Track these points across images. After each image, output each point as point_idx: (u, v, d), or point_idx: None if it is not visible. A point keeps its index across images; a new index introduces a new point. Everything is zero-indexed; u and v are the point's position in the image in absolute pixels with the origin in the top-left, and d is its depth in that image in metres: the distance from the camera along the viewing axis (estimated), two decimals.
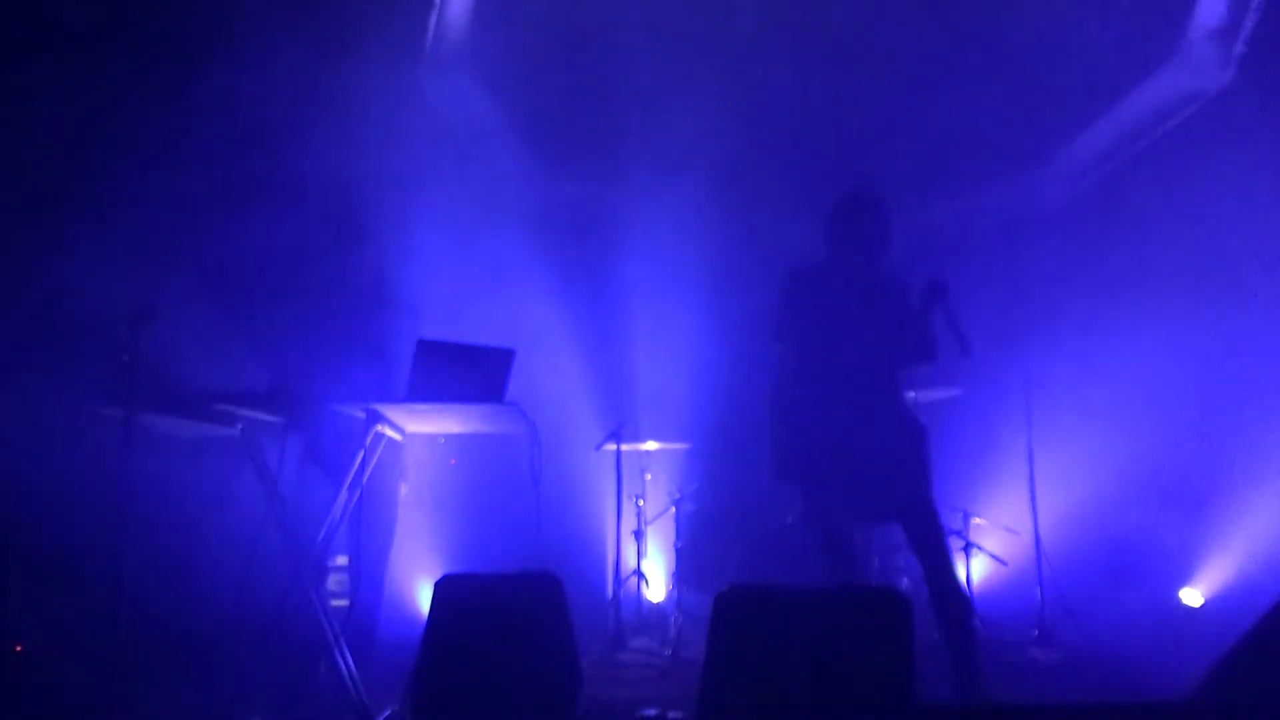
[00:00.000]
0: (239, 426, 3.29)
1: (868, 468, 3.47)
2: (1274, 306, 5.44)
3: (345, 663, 3.36)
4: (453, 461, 5.92)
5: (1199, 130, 5.90)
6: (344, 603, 3.97)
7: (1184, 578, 5.84)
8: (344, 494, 3.48)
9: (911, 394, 4.42)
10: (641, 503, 5.88)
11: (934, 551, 3.47)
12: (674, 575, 5.75)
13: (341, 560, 4.17)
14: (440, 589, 3.15)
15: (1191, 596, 5.77)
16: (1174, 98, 6.01)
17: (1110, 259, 6.05)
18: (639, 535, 5.82)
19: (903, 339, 3.65)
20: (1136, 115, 6.19)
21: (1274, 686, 2.19)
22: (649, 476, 6.07)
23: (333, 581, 4.08)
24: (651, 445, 5.84)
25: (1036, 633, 5.16)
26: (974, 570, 5.35)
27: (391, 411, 3.45)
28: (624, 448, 5.61)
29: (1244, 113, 5.57)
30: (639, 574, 5.80)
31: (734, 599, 2.53)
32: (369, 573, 3.81)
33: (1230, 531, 5.66)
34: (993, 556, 5.43)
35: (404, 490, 4.17)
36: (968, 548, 5.35)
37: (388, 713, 3.44)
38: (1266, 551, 5.45)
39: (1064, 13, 5.60)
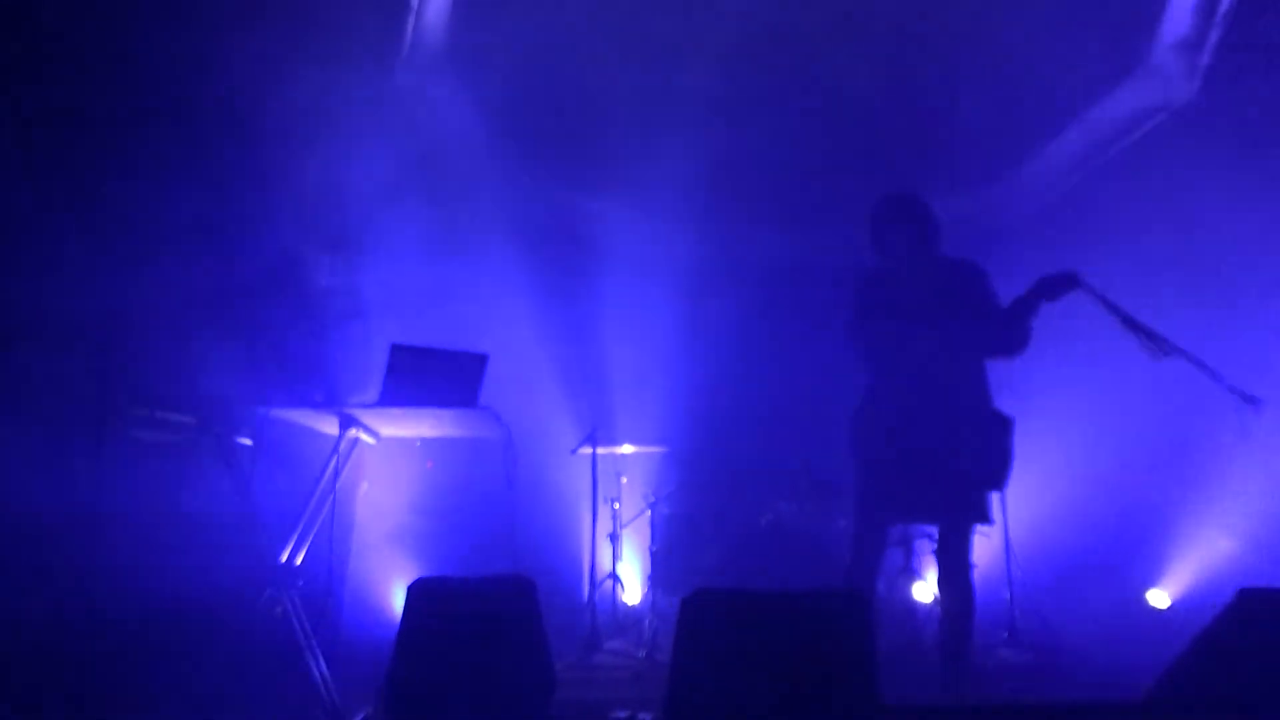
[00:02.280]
0: (211, 432, 3.29)
1: (940, 466, 3.49)
2: (1241, 313, 5.55)
3: (318, 667, 3.36)
4: (430, 464, 5.92)
5: (1165, 141, 6.00)
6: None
7: (1151, 579, 5.93)
8: (315, 498, 3.49)
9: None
10: (617, 506, 5.90)
11: (956, 557, 3.54)
12: (649, 578, 5.78)
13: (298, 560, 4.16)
14: (414, 592, 3.15)
15: (1158, 598, 5.86)
16: (1141, 109, 6.12)
17: (1080, 267, 6.13)
18: (614, 538, 5.84)
19: (983, 329, 3.63)
20: (1104, 126, 6.29)
21: (1223, 686, 2.25)
22: (624, 480, 6.10)
23: None
24: (627, 448, 5.87)
25: (1006, 634, 5.23)
26: None
27: (365, 415, 3.46)
28: (599, 451, 5.64)
29: (1209, 123, 5.68)
30: (614, 577, 5.82)
31: (700, 603, 2.56)
32: (331, 577, 3.81)
33: (1196, 534, 5.77)
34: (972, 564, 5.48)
35: (364, 490, 4.16)
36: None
37: (360, 716, 3.45)
38: (1232, 553, 5.56)
39: (1032, 24, 5.69)
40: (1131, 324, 3.53)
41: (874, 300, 3.72)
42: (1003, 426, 3.61)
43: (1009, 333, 3.63)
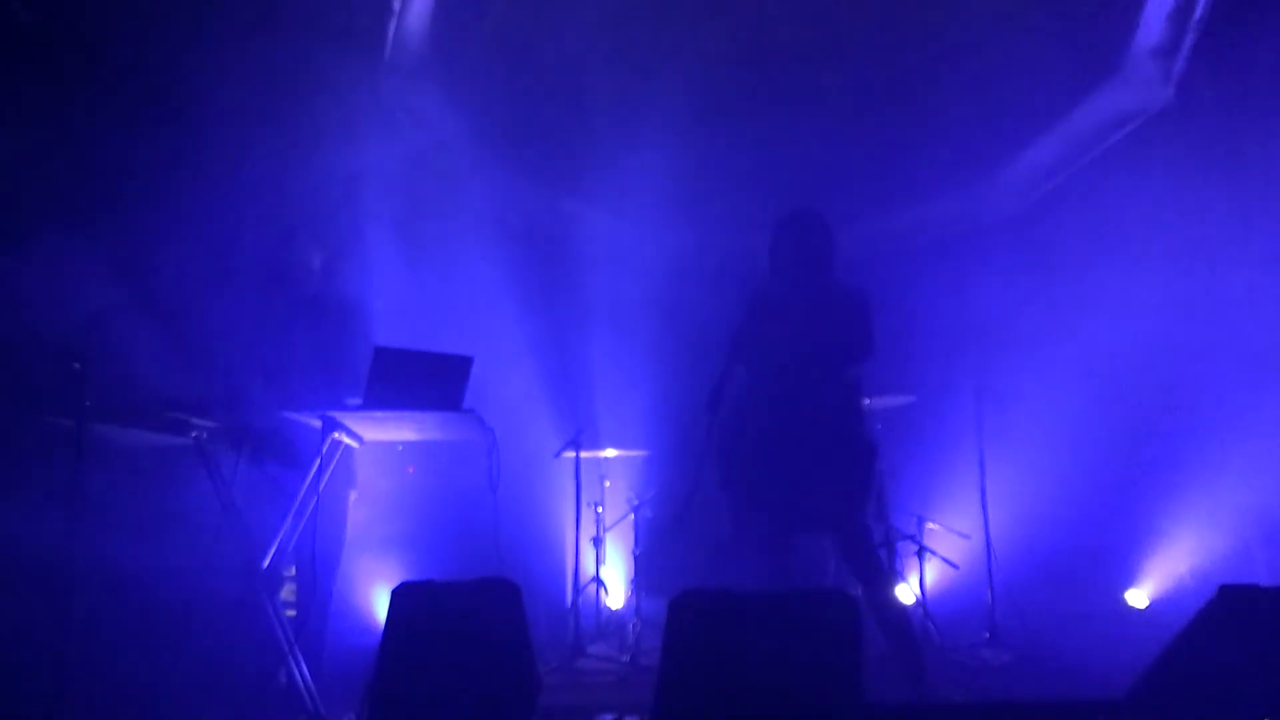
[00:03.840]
0: (192, 435, 3.26)
1: (800, 479, 3.53)
2: (1217, 317, 5.63)
3: (300, 672, 3.34)
4: (411, 469, 5.89)
5: (1141, 145, 6.08)
6: (291, 613, 3.94)
7: (1129, 580, 6.00)
8: (298, 502, 3.46)
9: (866, 401, 4.52)
10: (600, 510, 5.90)
11: (865, 566, 3.60)
12: (633, 582, 5.77)
13: (289, 570, 4.14)
14: (397, 596, 3.14)
15: (1137, 598, 5.92)
16: (1117, 114, 6.19)
17: (1056, 271, 6.21)
18: (598, 542, 5.83)
19: (847, 346, 3.70)
20: (1081, 131, 6.36)
21: (1205, 683, 2.28)
22: (608, 483, 6.09)
23: (285, 591, 4.04)
24: (610, 452, 5.87)
25: (987, 634, 5.26)
26: (927, 574, 5.44)
27: (348, 419, 3.45)
28: (583, 455, 5.63)
29: (1184, 128, 5.76)
30: (598, 581, 5.81)
31: (688, 604, 2.56)
32: (320, 582, 3.79)
33: (1175, 534, 5.83)
34: (945, 560, 5.53)
35: (353, 497, 4.14)
36: (921, 552, 5.45)
37: None
38: (1210, 553, 5.62)
39: (1008, 29, 5.76)
40: None
41: (754, 315, 3.75)
42: (868, 452, 3.69)
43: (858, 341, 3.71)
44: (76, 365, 2.87)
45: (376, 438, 3.80)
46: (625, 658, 5.12)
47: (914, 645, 3.53)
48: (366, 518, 4.83)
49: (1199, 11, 5.49)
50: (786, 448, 3.56)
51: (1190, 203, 5.48)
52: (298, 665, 3.33)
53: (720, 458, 3.71)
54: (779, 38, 6.21)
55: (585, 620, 5.54)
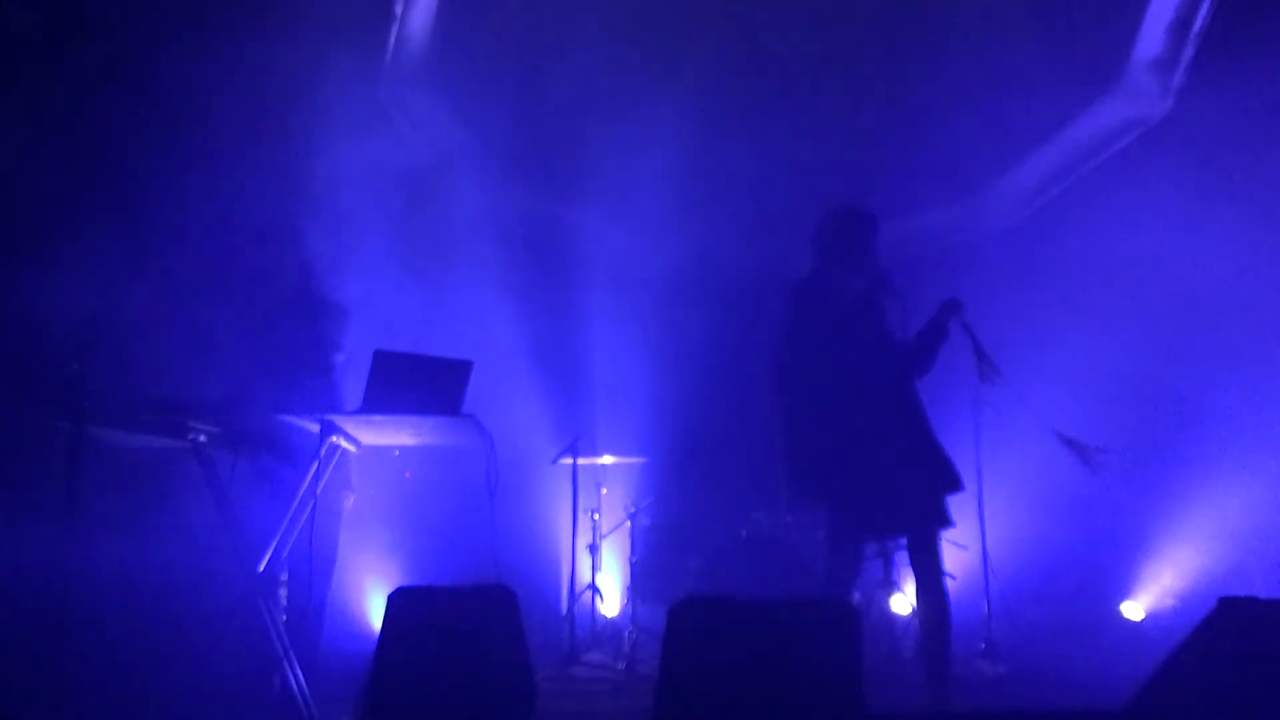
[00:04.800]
0: (190, 438, 3.25)
1: (891, 484, 3.52)
2: (1216, 329, 5.63)
3: (295, 676, 3.32)
4: (408, 475, 5.88)
5: (1140, 156, 6.10)
6: (284, 618, 3.92)
7: (1125, 592, 5.99)
8: (295, 506, 3.45)
9: None
10: (597, 516, 5.88)
11: (928, 565, 3.58)
12: (629, 589, 5.76)
13: (284, 575, 4.12)
14: (393, 602, 3.12)
15: (1133, 610, 5.92)
16: (1116, 125, 6.22)
17: (1053, 282, 6.22)
18: (594, 549, 5.82)
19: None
20: (1080, 142, 6.39)
21: (1205, 695, 2.27)
22: (604, 490, 6.08)
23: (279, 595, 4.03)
24: (607, 459, 5.86)
25: (983, 645, 5.24)
26: None
27: (347, 423, 3.43)
28: (580, 461, 5.62)
29: (1183, 140, 5.77)
30: (594, 588, 5.79)
31: (688, 611, 2.55)
32: (314, 587, 3.77)
33: (1171, 547, 5.83)
34: (944, 571, 5.51)
35: (350, 502, 4.13)
36: None
37: None
38: (1207, 567, 5.62)
39: (1007, 40, 5.77)
40: (980, 353, 3.72)
41: (824, 315, 3.70)
42: (932, 433, 3.68)
43: (925, 359, 3.71)
44: (75, 367, 2.86)
45: (374, 442, 3.79)
46: (621, 665, 5.10)
47: (944, 653, 3.53)
48: (363, 522, 4.82)
49: (1198, 24, 5.52)
50: (877, 450, 3.54)
51: (1189, 214, 5.48)
52: (292, 670, 3.31)
53: (796, 468, 3.67)
54: (780, 48, 6.24)
55: (581, 627, 5.52)
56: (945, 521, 3.60)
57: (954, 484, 3.61)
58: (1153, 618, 5.82)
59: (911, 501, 3.56)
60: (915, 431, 3.62)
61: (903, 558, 5.37)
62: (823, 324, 3.67)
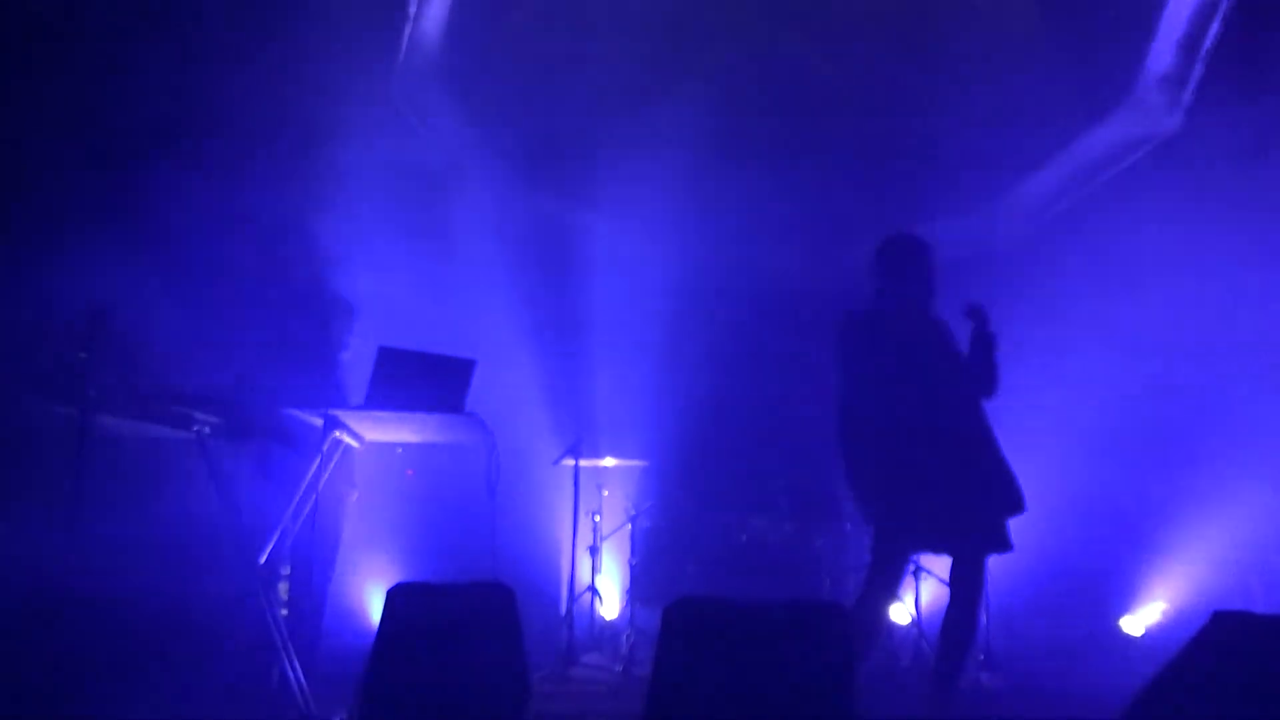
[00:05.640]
0: (194, 429, 3.27)
1: (951, 502, 3.52)
2: (1219, 341, 5.63)
3: (293, 670, 3.34)
4: (410, 472, 5.90)
5: (1149, 172, 6.10)
6: (284, 612, 3.94)
7: (1125, 607, 5.98)
8: (297, 499, 3.47)
9: None
10: (597, 518, 5.89)
11: (969, 579, 3.59)
12: (628, 592, 5.76)
13: (285, 569, 4.14)
14: (392, 597, 3.14)
15: (1132, 625, 5.91)
16: (1125, 141, 6.22)
17: (1060, 296, 6.21)
18: (594, 551, 5.82)
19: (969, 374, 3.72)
20: (1089, 157, 6.39)
21: (1198, 708, 2.27)
22: (606, 493, 6.08)
23: (279, 589, 4.04)
24: (609, 461, 5.86)
25: (982, 657, 5.24)
26: (922, 593, 5.43)
27: (350, 418, 3.45)
28: (581, 463, 5.63)
29: (1192, 156, 5.78)
30: (593, 590, 5.80)
31: (683, 612, 2.56)
32: (315, 581, 3.79)
33: (1171, 562, 5.82)
34: (941, 580, 5.50)
35: (353, 498, 4.14)
36: (916, 572, 5.43)
37: None
38: (1207, 582, 5.61)
39: (1018, 55, 5.79)
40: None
41: (878, 341, 3.71)
42: (1007, 469, 3.64)
43: (985, 375, 3.72)
44: (81, 356, 2.89)
45: (377, 438, 3.81)
46: (618, 668, 5.11)
47: (955, 674, 3.54)
48: (364, 518, 4.84)
49: (1209, 41, 5.52)
50: (940, 468, 3.53)
51: (1197, 231, 5.49)
52: (290, 663, 3.33)
53: (862, 488, 3.68)
54: (788, 59, 6.25)
55: (579, 629, 5.52)
56: (1003, 544, 3.59)
57: (1016, 506, 3.57)
58: (1152, 633, 5.80)
59: (969, 520, 3.56)
60: (980, 451, 3.59)
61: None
62: (887, 350, 3.68)
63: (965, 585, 3.59)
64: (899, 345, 3.69)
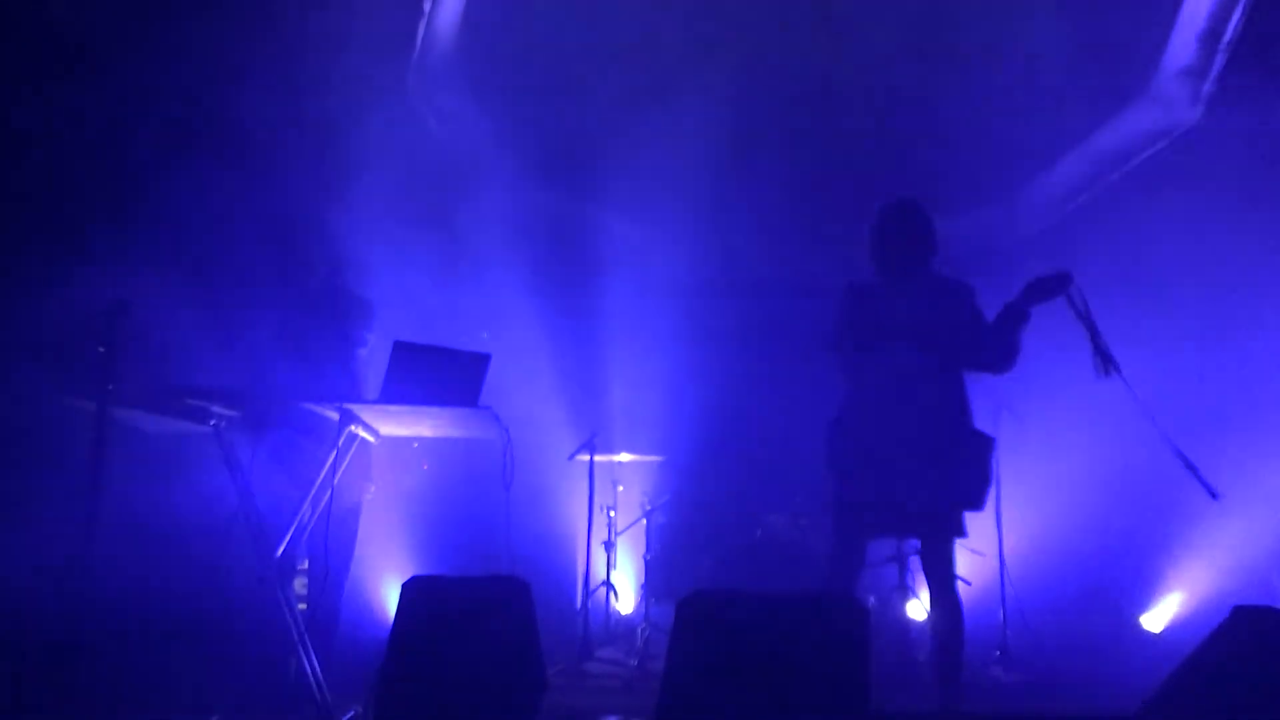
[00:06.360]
0: (211, 423, 3.29)
1: (914, 480, 3.42)
2: (1240, 337, 5.57)
3: (309, 663, 3.35)
4: (425, 467, 5.92)
5: (1169, 166, 6.04)
6: (303, 606, 3.96)
7: (1145, 603, 5.93)
8: (313, 494, 3.48)
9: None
10: (612, 514, 5.90)
11: (941, 568, 3.51)
12: (643, 587, 5.77)
13: (302, 564, 4.17)
14: (407, 590, 3.15)
15: (1152, 622, 5.86)
16: (1144, 134, 6.17)
17: (1080, 287, 6.15)
18: (609, 546, 5.84)
19: (969, 344, 3.55)
20: (1108, 151, 6.34)
21: (1217, 703, 2.25)
22: (621, 488, 6.09)
23: (296, 583, 4.07)
24: (624, 457, 5.87)
25: (998, 653, 5.22)
26: None
27: (365, 412, 3.47)
28: (597, 458, 5.64)
29: (1212, 149, 5.72)
30: (608, 585, 5.81)
31: (696, 605, 2.56)
32: (332, 575, 3.80)
33: (1191, 558, 5.77)
34: (957, 577, 5.48)
35: (371, 493, 4.16)
36: None
37: (351, 714, 3.44)
38: (1227, 578, 5.55)
39: (1038, 48, 5.74)
40: (1096, 342, 3.54)
41: (864, 311, 3.62)
42: (983, 445, 3.54)
43: (998, 346, 3.54)
44: (100, 350, 2.91)
45: (393, 432, 3.82)
46: (633, 662, 5.12)
47: (956, 662, 3.49)
48: (380, 512, 4.86)
49: (1229, 33, 5.46)
50: (904, 447, 3.43)
51: (1216, 225, 5.43)
52: (307, 657, 3.35)
53: (835, 460, 3.61)
54: (806, 52, 6.23)
55: (594, 623, 5.54)
56: (958, 531, 3.50)
57: (974, 501, 3.48)
58: (1172, 629, 5.75)
59: (924, 508, 3.46)
60: (948, 439, 3.49)
61: (917, 563, 5.37)
62: (866, 321, 3.58)
63: (936, 571, 3.50)
64: (879, 314, 3.57)
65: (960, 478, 3.48)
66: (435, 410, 3.39)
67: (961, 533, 3.53)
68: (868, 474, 3.48)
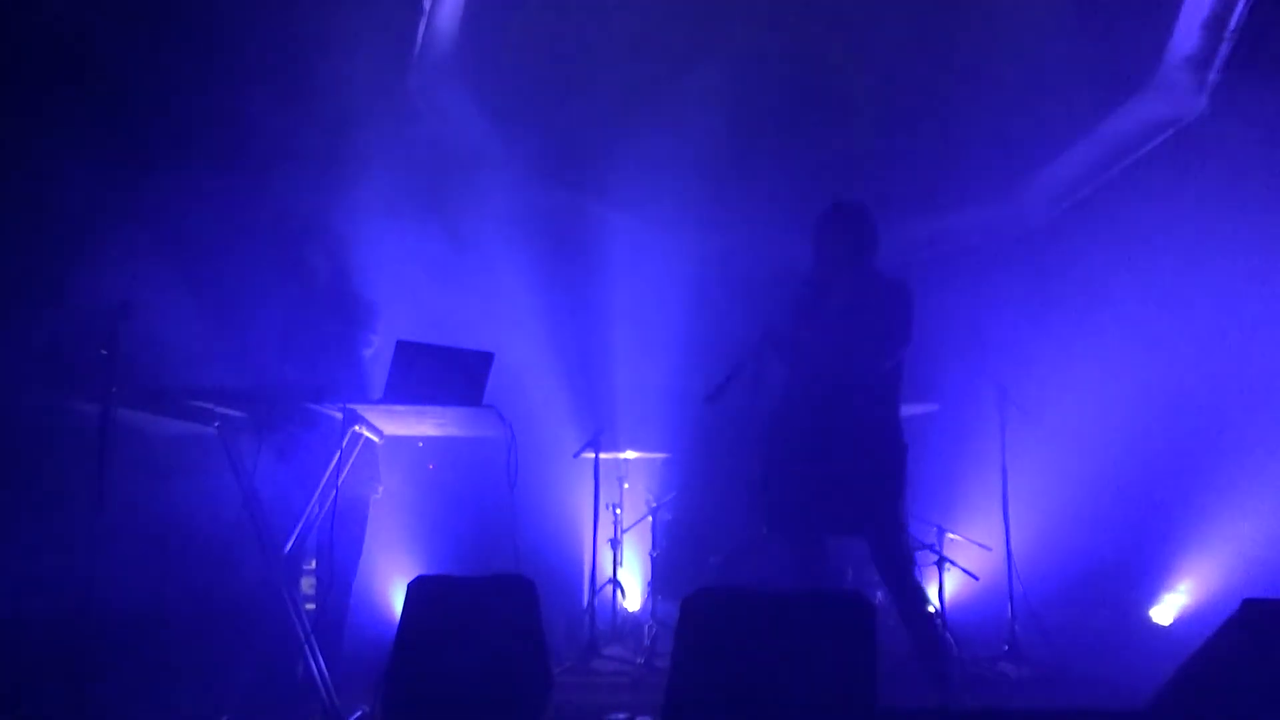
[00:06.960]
0: (216, 424, 3.29)
1: (835, 477, 3.48)
2: (1246, 328, 5.55)
3: (316, 663, 3.36)
4: (431, 466, 5.92)
5: (1174, 155, 6.01)
6: (311, 606, 3.96)
7: (1154, 596, 5.91)
8: (318, 494, 3.48)
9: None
10: (618, 511, 5.89)
11: (892, 568, 3.52)
12: (649, 584, 5.76)
13: (309, 564, 4.17)
14: (413, 590, 3.16)
15: (1161, 614, 5.84)
16: (1149, 123, 6.13)
17: (1084, 281, 6.15)
18: (615, 543, 5.83)
19: (884, 336, 3.62)
20: (1112, 140, 6.30)
21: (1227, 695, 2.24)
22: (626, 485, 6.09)
23: (304, 584, 4.07)
24: (630, 454, 5.87)
25: (1006, 647, 5.20)
26: (946, 584, 5.39)
27: (369, 412, 3.46)
28: (602, 456, 5.63)
29: (1217, 138, 5.69)
30: (614, 582, 5.80)
31: (702, 603, 2.56)
32: (339, 576, 3.81)
33: (1201, 551, 5.75)
34: (965, 571, 5.47)
35: (379, 493, 4.16)
36: (940, 562, 5.39)
37: (358, 714, 3.44)
38: (1236, 570, 5.53)
39: (1042, 37, 5.71)
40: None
41: (798, 305, 3.72)
42: (899, 451, 3.59)
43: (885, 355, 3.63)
44: (104, 352, 2.91)
45: (397, 431, 3.82)
46: (640, 660, 5.11)
47: (938, 651, 3.49)
48: (386, 513, 4.86)
49: (1234, 21, 5.42)
50: (821, 445, 3.50)
51: (1222, 214, 5.40)
52: (314, 656, 3.35)
53: (758, 454, 3.67)
54: (809, 45, 6.21)
55: (601, 621, 5.53)
56: (895, 524, 3.53)
57: (882, 508, 3.51)
58: (1181, 623, 5.73)
59: (846, 506, 3.50)
60: (863, 439, 3.53)
61: (925, 557, 5.35)
62: (799, 318, 3.70)
63: (886, 562, 3.52)
64: (809, 313, 3.67)
65: (871, 478, 3.52)
66: (439, 409, 3.39)
67: (898, 525, 3.54)
68: (793, 473, 3.55)
